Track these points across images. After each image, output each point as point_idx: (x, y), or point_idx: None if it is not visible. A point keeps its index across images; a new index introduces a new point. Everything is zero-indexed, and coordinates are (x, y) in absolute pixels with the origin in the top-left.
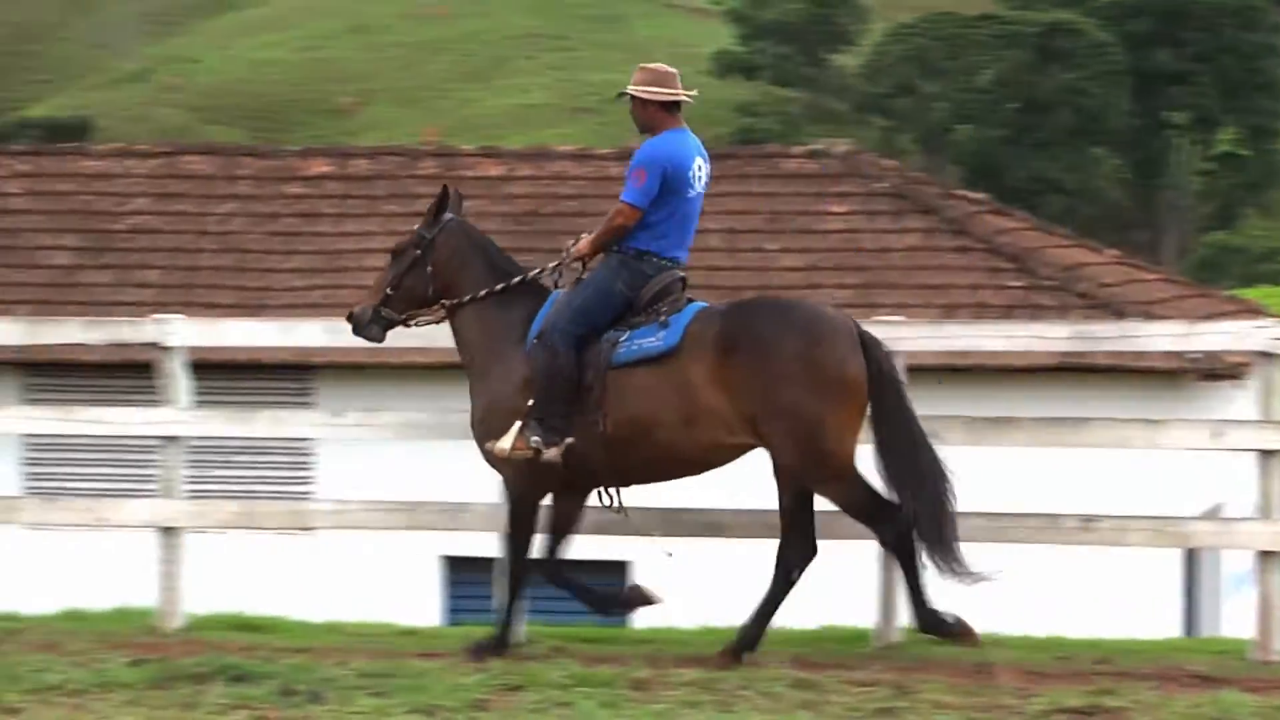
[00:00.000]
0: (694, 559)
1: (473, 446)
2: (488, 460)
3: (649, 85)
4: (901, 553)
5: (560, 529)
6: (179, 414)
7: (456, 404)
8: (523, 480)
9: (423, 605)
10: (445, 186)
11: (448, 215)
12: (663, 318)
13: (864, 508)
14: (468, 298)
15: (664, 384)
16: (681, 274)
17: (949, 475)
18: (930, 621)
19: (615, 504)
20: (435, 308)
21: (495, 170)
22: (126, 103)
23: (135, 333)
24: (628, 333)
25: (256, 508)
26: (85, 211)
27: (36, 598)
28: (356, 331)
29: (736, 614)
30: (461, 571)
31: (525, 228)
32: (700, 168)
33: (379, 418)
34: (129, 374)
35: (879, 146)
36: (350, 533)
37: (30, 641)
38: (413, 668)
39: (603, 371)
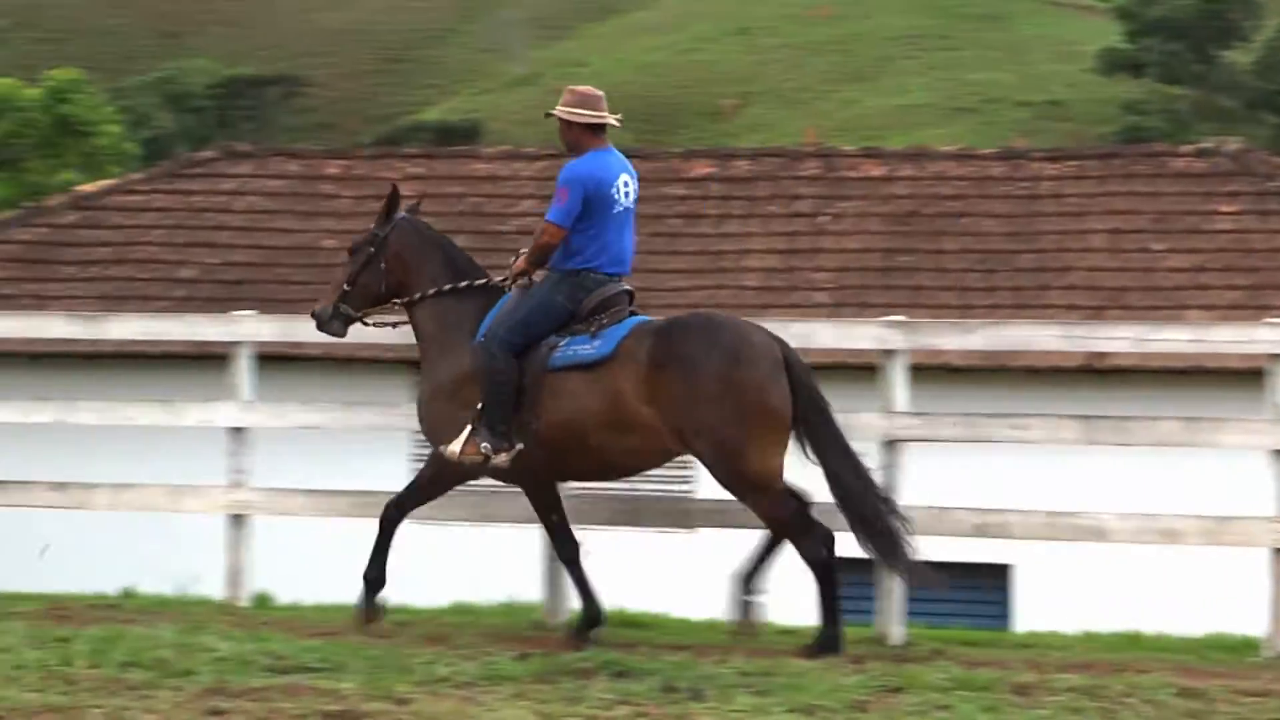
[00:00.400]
0: (1076, 564)
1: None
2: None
3: (574, 107)
4: (820, 570)
5: (560, 526)
6: None
7: (840, 404)
8: (447, 469)
9: (795, 605)
10: (393, 185)
11: (400, 214)
12: (600, 327)
13: (786, 523)
14: (418, 295)
15: (595, 390)
16: (626, 288)
17: (875, 482)
18: (831, 638)
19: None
20: (390, 304)
21: (876, 171)
22: (515, 106)
23: None
24: (567, 338)
25: (640, 506)
26: (475, 213)
27: (427, 591)
28: (319, 328)
29: (1120, 619)
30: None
31: (906, 228)
32: (626, 184)
33: None
34: None
35: (1271, 145)
36: (729, 532)
37: (421, 634)
38: (792, 667)
39: (539, 375)
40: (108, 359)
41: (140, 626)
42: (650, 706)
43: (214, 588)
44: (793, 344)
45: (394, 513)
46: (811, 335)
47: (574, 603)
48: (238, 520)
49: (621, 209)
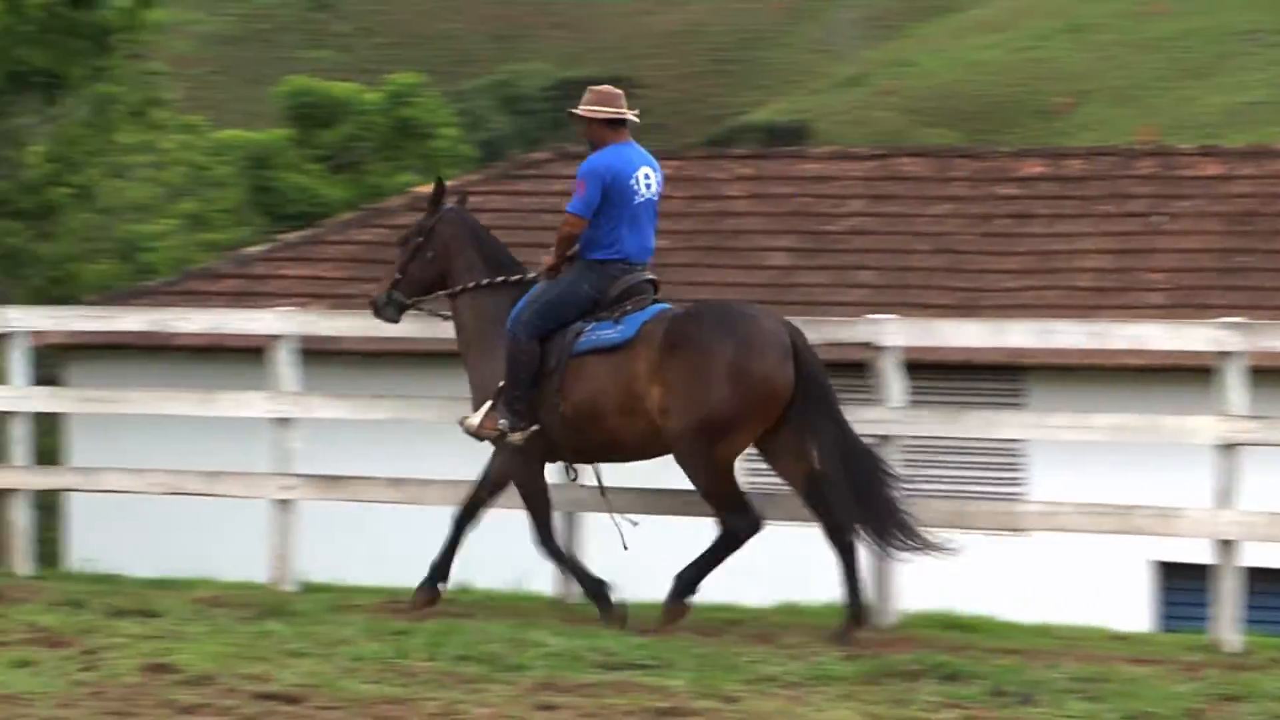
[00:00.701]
0: None
1: (1182, 452)
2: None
3: (594, 105)
4: (732, 543)
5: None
6: (892, 413)
7: (1174, 407)
8: (514, 455)
9: (1132, 611)
10: (439, 178)
11: (446, 205)
12: (623, 314)
13: (720, 497)
14: (459, 287)
15: (614, 373)
16: (650, 277)
17: (884, 466)
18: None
19: (574, 477)
20: (437, 293)
21: (1214, 170)
22: (844, 106)
23: (850, 332)
24: (592, 324)
25: (967, 508)
26: (803, 213)
27: (754, 590)
28: (375, 314)
29: None
30: (1174, 578)
31: (1245, 228)
32: (648, 176)
33: (1089, 420)
34: (843, 373)
35: None
36: (1060, 535)
37: (748, 633)
38: (1124, 673)
39: (564, 359)
40: (443, 357)
41: (474, 621)
42: (979, 710)
43: (546, 584)
44: (1124, 345)
45: (543, 543)
46: (1143, 337)
47: (901, 603)
48: (569, 518)
49: (643, 200)
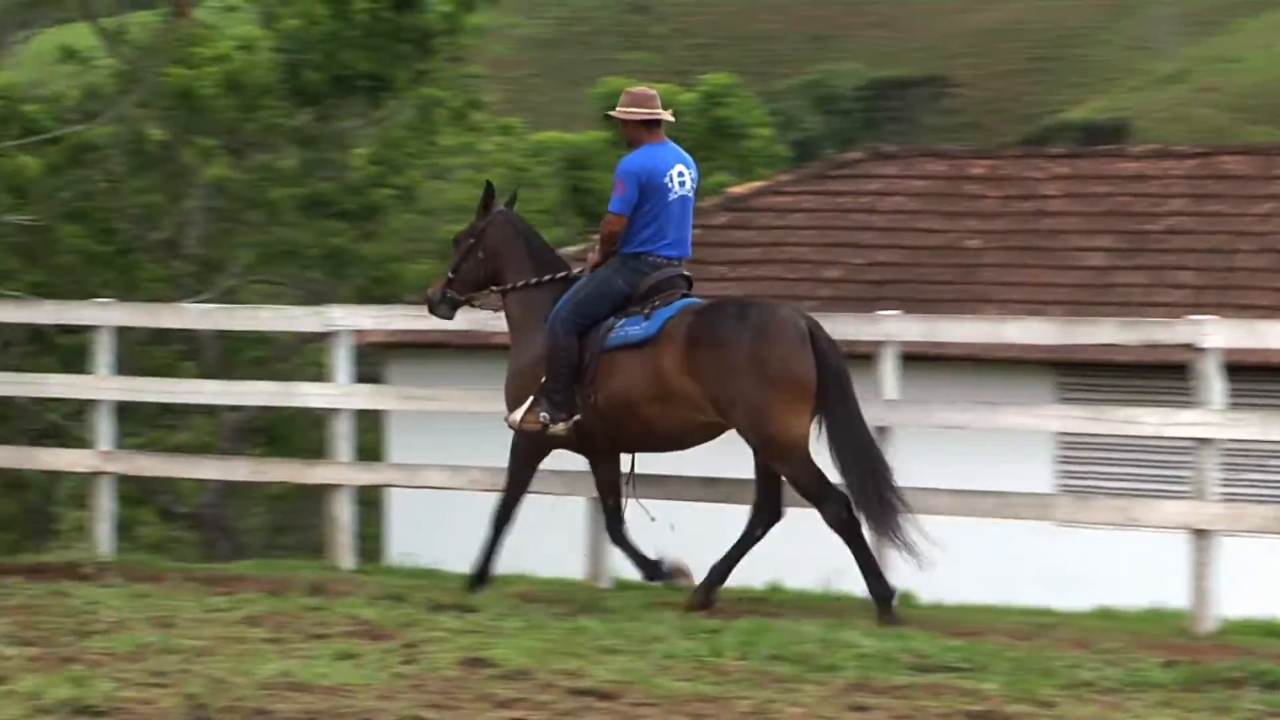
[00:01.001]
0: None
1: None
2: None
3: (629, 107)
4: (844, 532)
5: (609, 493)
6: (1213, 416)
7: None
8: (527, 445)
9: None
10: (488, 182)
11: (498, 208)
12: (652, 309)
13: (809, 488)
14: (509, 285)
15: (642, 367)
16: (684, 272)
17: (884, 459)
18: (880, 592)
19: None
20: (487, 291)
21: None
22: (1163, 104)
23: (1169, 334)
24: (623, 320)
25: None
26: (1121, 213)
27: (1069, 594)
28: (430, 311)
29: None
30: None
31: None
32: (682, 174)
33: None
34: (1161, 375)
35: None
36: None
37: (1063, 638)
38: None
39: (597, 353)
40: None
41: (785, 621)
42: None
43: (856, 584)
44: None
45: (505, 509)
46: None
47: (1221, 609)
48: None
49: (677, 197)
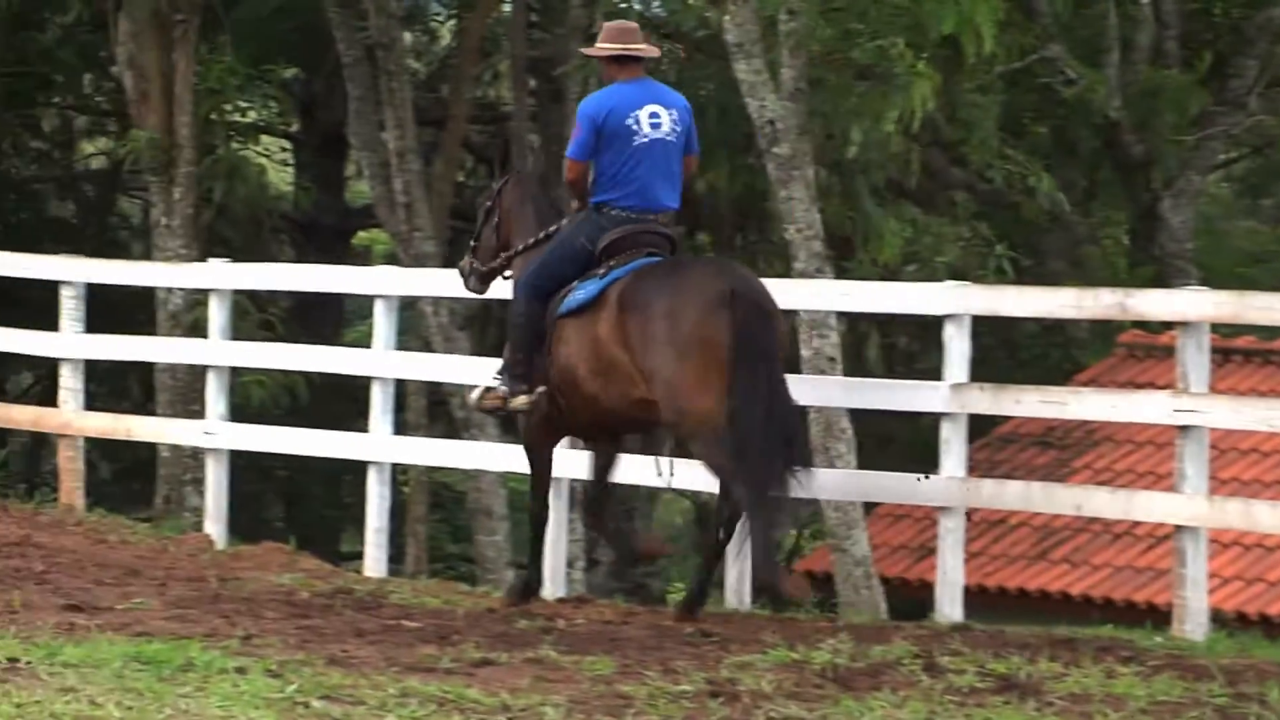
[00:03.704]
0: None
1: None
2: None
3: (603, 43)
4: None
5: (599, 477)
6: None
7: None
8: (532, 428)
9: None
10: (505, 140)
11: (512, 170)
12: (607, 270)
13: (721, 471)
14: (514, 251)
15: (580, 336)
16: (659, 229)
17: (798, 448)
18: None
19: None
20: (499, 258)
21: None
22: None
23: None
24: (579, 283)
25: None
26: None
27: None
28: (465, 285)
29: None
30: None
31: None
32: (656, 115)
33: None
34: None
35: None
36: None
37: None
38: None
39: (552, 320)
40: None
41: None
42: None
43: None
44: None
45: (537, 507)
46: None
47: None
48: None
49: (645, 140)
